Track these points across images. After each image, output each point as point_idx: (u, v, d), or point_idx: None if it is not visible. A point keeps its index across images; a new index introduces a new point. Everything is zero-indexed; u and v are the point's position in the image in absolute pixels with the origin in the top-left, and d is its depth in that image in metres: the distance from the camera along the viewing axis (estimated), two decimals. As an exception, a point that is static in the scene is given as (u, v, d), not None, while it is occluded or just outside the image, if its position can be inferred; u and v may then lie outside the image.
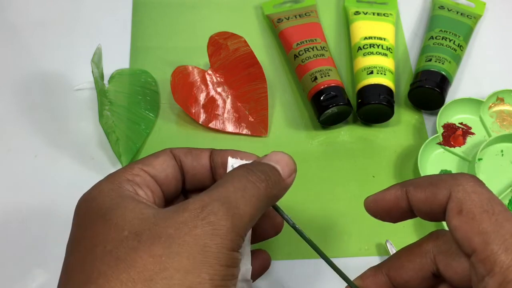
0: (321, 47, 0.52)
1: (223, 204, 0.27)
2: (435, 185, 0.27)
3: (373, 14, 0.55)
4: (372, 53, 0.51)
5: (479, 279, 0.25)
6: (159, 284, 0.25)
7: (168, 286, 0.25)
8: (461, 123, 0.51)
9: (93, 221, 0.28)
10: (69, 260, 0.29)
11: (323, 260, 0.32)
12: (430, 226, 0.46)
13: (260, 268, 0.36)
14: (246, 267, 0.31)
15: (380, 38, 0.53)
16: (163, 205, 0.32)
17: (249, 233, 0.31)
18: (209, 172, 0.33)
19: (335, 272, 0.32)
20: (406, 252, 0.30)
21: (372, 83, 0.49)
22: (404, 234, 0.45)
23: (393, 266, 0.30)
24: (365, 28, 0.54)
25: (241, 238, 0.27)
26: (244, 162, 0.33)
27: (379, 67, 0.50)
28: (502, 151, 0.49)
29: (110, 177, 0.31)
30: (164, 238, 0.26)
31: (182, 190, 0.34)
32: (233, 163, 0.33)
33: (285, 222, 0.33)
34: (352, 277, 0.31)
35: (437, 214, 0.27)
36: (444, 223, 0.44)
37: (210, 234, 0.26)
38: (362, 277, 0.31)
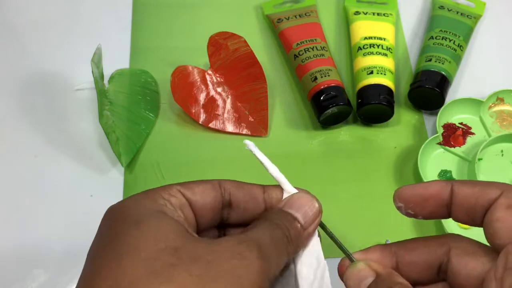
0: (321, 47, 0.52)
1: (257, 246, 0.28)
2: (486, 185, 0.29)
3: (373, 14, 0.55)
4: (372, 53, 0.51)
5: (509, 267, 0.26)
6: None
7: None
8: (461, 123, 0.51)
9: (127, 227, 0.28)
10: (94, 264, 0.27)
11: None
12: (429, 227, 0.46)
13: None
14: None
15: (380, 38, 0.53)
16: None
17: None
18: (263, 208, 0.33)
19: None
20: (424, 238, 0.31)
21: (372, 83, 0.49)
22: (403, 234, 0.45)
23: (406, 246, 0.31)
24: (365, 28, 0.54)
25: (268, 282, 0.28)
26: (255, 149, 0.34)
27: (379, 67, 0.50)
28: (502, 151, 0.49)
29: (146, 192, 0.30)
30: (202, 261, 0.26)
31: (219, 224, 0.34)
32: (249, 144, 0.34)
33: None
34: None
35: (478, 210, 0.29)
36: (446, 225, 0.44)
37: (245, 268, 0.27)
38: (369, 249, 0.31)
